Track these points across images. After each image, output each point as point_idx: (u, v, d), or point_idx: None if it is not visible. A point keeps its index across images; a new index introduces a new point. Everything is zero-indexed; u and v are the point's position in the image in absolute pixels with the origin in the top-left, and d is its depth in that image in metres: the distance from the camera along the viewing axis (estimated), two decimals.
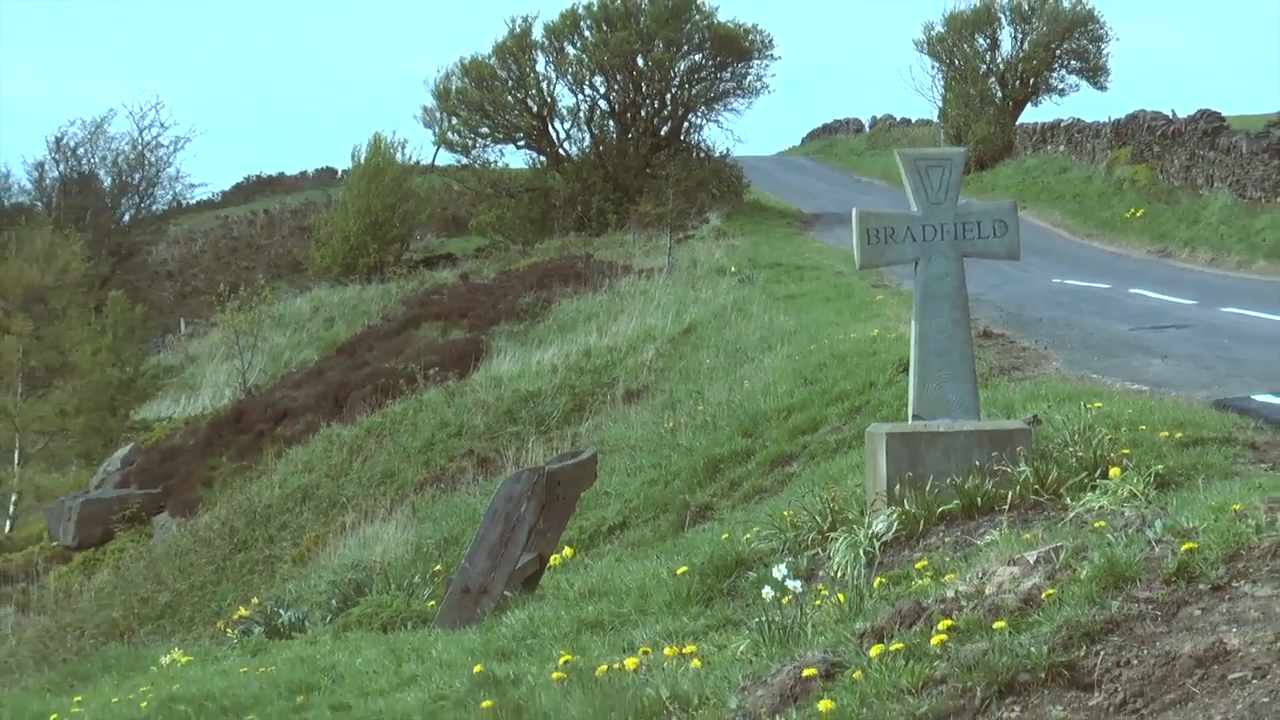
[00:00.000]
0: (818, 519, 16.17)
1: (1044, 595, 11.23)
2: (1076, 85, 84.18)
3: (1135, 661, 10.38)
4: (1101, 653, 10.51)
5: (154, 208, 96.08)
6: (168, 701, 18.07)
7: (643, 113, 77.55)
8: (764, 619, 13.08)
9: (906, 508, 15.10)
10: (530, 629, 16.48)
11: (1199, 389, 22.95)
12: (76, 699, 20.63)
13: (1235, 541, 11.14)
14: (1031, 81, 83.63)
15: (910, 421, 16.05)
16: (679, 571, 16.86)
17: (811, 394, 26.99)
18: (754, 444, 26.09)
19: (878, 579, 13.61)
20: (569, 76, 77.55)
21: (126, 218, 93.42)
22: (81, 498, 52.35)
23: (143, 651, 26.29)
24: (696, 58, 78.15)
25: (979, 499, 15.00)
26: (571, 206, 75.33)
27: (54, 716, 19.52)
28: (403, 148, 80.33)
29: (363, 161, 79.94)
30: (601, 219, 72.84)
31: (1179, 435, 17.16)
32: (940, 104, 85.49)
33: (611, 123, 77.50)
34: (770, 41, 79.75)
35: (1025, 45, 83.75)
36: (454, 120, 77.92)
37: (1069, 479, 14.82)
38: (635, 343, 41.77)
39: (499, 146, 79.27)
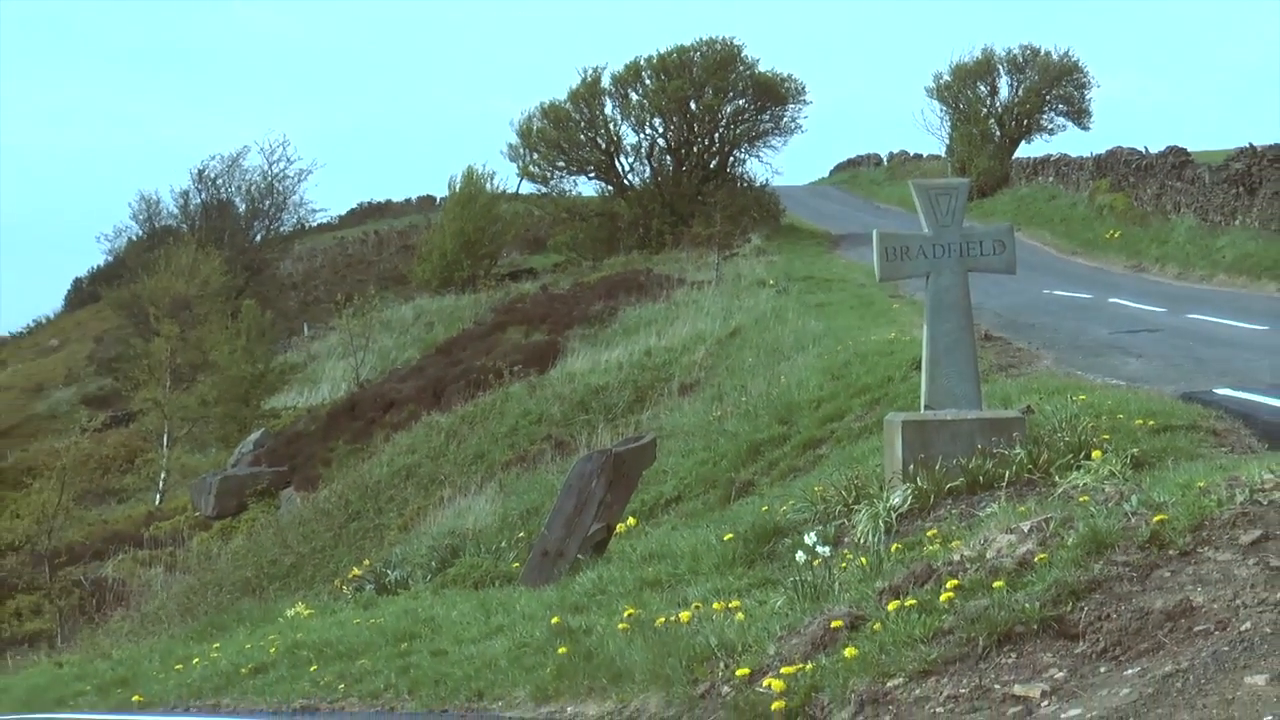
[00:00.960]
0: (843, 494, 16.19)
1: (1036, 559, 11.23)
2: (1064, 125, 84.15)
3: (1114, 616, 10.35)
4: (1085, 608, 10.49)
5: (281, 229, 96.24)
6: (292, 648, 18.16)
7: (694, 149, 77.50)
8: (798, 579, 13.08)
9: (919, 484, 15.11)
10: (599, 587, 16.50)
11: (1168, 384, 22.87)
12: (215, 645, 20.73)
13: (1200, 514, 11.12)
14: (1025, 122, 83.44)
15: (922, 411, 16.05)
16: (725, 538, 16.87)
17: (838, 388, 26.96)
18: (789, 430, 26.06)
19: (894, 545, 13.60)
20: (632, 118, 77.62)
21: (258, 238, 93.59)
22: (220, 475, 52.55)
23: (271, 605, 26.38)
24: (740, 102, 78.11)
25: (981, 477, 15.01)
26: (634, 228, 75.31)
27: (196, 660, 19.60)
28: (491, 178, 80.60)
29: (458, 190, 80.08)
30: (660, 239, 72.82)
31: (1151, 423, 17.14)
32: (948, 141, 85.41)
33: (668, 158, 77.47)
34: (803, 88, 79.78)
35: (1020, 92, 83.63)
36: (535, 155, 78.02)
37: (1057, 460, 14.81)
38: (688, 344, 41.75)
39: (573, 177, 79.44)
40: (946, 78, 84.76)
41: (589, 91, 77.49)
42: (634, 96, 77.43)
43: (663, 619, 13.31)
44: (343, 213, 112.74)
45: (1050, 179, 70.36)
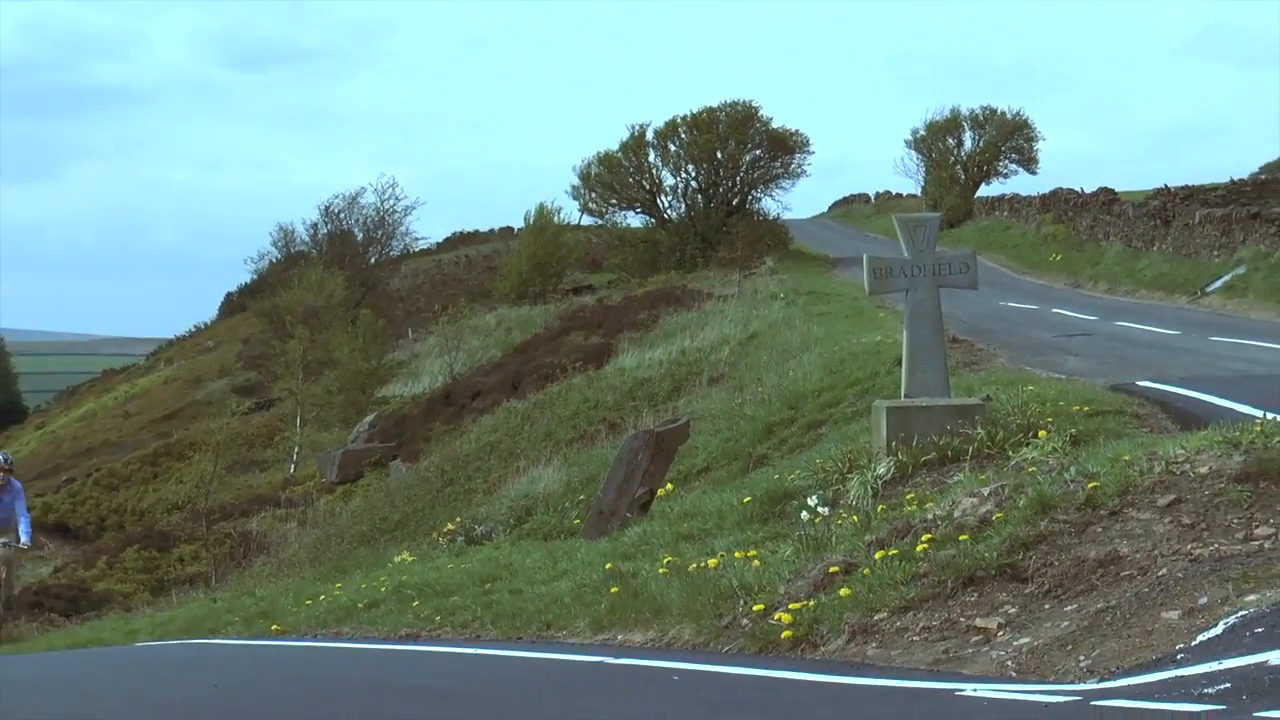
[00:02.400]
0: (839, 465, 16.18)
1: (994, 517, 11.23)
2: (1016, 171, 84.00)
3: (1056, 563, 10.34)
4: (1033, 557, 10.49)
5: (391, 253, 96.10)
6: (399, 587, 18.20)
7: (720, 190, 77.27)
8: (803, 533, 13.08)
9: (900, 457, 15.10)
10: (644, 539, 16.49)
11: (1100, 377, 22.79)
12: (337, 585, 20.78)
13: (1125, 481, 11.11)
14: (985, 168, 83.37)
15: (903, 399, 16.02)
16: (745, 500, 16.86)
17: (835, 380, 26.90)
18: (796, 414, 26.01)
19: (880, 506, 13.57)
20: (670, 165, 77.41)
21: (372, 260, 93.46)
22: (342, 449, 52.68)
23: (382, 554, 26.40)
24: (757, 153, 77.80)
25: (949, 451, 14.99)
26: (672, 253, 75.13)
27: (322, 597, 19.65)
28: (558, 213, 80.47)
29: (531, 221, 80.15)
30: (693, 261, 72.66)
31: (1086, 409, 17.09)
32: (923, 183, 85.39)
33: (699, 196, 77.22)
34: (807, 141, 79.40)
35: (981, 144, 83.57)
36: (592, 194, 77.90)
37: (1011, 438, 14.79)
38: (715, 345, 41.66)
39: (623, 212, 79.23)
40: (922, 132, 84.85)
41: (636, 143, 77.44)
42: (672, 147, 77.28)
43: (695, 565, 13.32)
44: (440, 240, 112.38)
45: (1005, 214, 70.23)
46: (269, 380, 71.74)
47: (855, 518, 13.26)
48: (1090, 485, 11.12)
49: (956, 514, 11.63)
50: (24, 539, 21.60)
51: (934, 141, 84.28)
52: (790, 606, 11.08)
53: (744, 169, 78.56)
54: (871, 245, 71.11)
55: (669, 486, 21.88)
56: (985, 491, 11.85)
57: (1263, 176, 67.62)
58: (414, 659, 13.57)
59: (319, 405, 64.30)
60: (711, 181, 77.70)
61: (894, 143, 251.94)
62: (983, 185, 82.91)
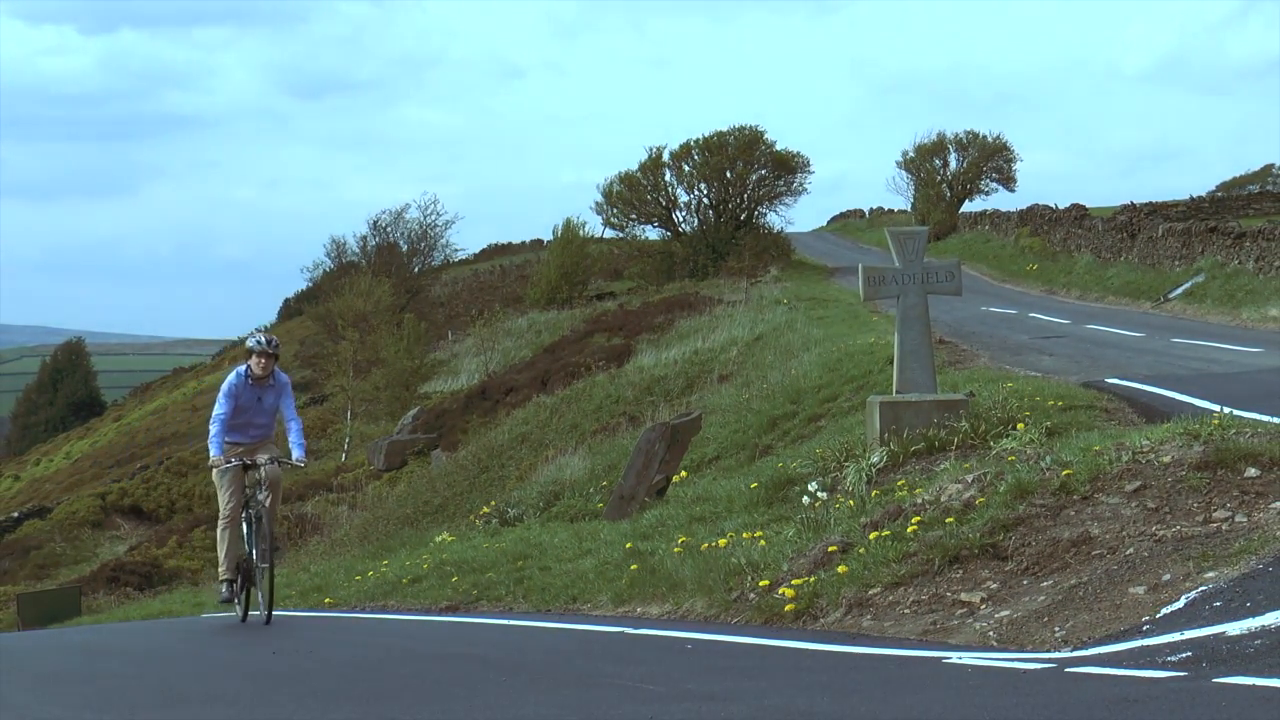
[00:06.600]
0: (837, 454, 16.16)
1: (977, 502, 11.22)
2: (996, 188, 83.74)
3: (1033, 543, 10.33)
4: (1013, 537, 10.48)
5: (432, 263, 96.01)
6: (439, 564, 18.23)
7: (729, 206, 77.00)
8: (804, 516, 13.08)
9: (892, 447, 15.07)
10: (661, 521, 16.50)
11: (1072, 375, 22.76)
12: (384, 562, 20.83)
13: (1095, 469, 11.10)
14: (968, 186, 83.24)
15: (894, 394, 15.99)
16: (752, 486, 16.87)
17: (833, 377, 26.87)
18: (798, 408, 25.99)
19: (874, 491, 13.56)
20: (684, 183, 77.14)
21: (416, 269, 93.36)
22: (388, 439, 52.72)
23: (424, 534, 26.45)
24: (763, 172, 77.48)
25: (936, 442, 14.96)
26: (686, 263, 74.98)
27: (370, 573, 19.72)
28: (583, 226, 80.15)
29: (559, 234, 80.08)
30: (704, 271, 72.55)
31: (1060, 403, 17.08)
32: (912, 199, 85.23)
33: (710, 212, 76.97)
34: (808, 162, 78.97)
35: (964, 164, 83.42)
36: (614, 209, 77.71)
37: (992, 430, 14.76)
38: (725, 346, 41.64)
39: (641, 226, 78.92)
40: (912, 154, 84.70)
41: (653, 164, 77.29)
42: (685, 168, 77.06)
43: (706, 544, 13.33)
44: (477, 251, 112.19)
45: (986, 227, 70.14)
46: (323, 377, 71.85)
47: (851, 502, 13.26)
48: (1064, 473, 11.11)
49: (943, 499, 11.62)
50: (298, 455, 14.92)
51: (922, 162, 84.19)
52: (793, 582, 11.09)
53: (751, 187, 78.38)
54: (866, 256, 71.12)
55: (683, 473, 21.88)
56: (969, 478, 11.84)
57: (1219, 194, 67.65)
58: (454, 629, 13.59)
59: (367, 400, 64.37)
60: (721, 198, 77.57)
61: (886, 163, 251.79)
62: (966, 202, 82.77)
